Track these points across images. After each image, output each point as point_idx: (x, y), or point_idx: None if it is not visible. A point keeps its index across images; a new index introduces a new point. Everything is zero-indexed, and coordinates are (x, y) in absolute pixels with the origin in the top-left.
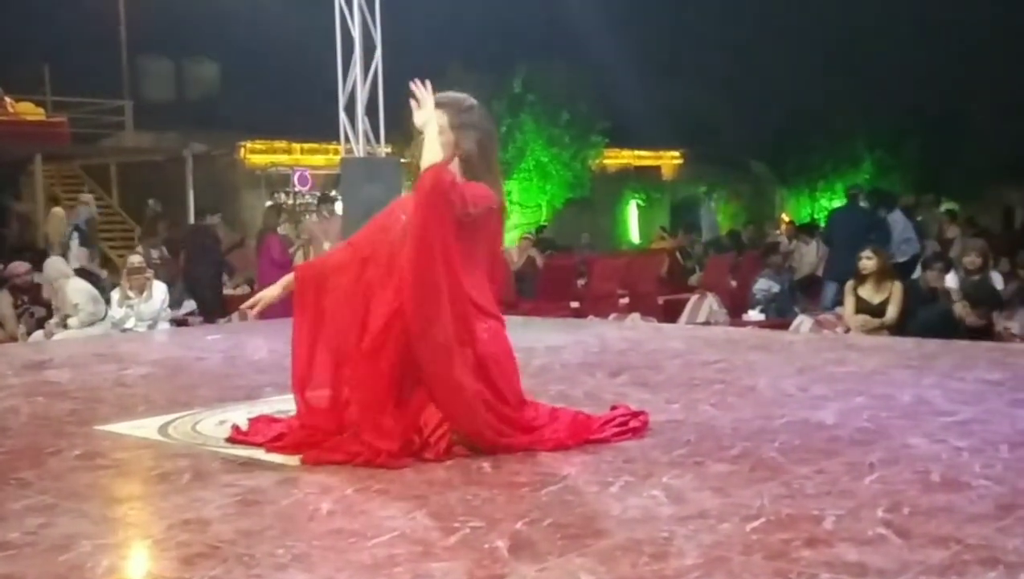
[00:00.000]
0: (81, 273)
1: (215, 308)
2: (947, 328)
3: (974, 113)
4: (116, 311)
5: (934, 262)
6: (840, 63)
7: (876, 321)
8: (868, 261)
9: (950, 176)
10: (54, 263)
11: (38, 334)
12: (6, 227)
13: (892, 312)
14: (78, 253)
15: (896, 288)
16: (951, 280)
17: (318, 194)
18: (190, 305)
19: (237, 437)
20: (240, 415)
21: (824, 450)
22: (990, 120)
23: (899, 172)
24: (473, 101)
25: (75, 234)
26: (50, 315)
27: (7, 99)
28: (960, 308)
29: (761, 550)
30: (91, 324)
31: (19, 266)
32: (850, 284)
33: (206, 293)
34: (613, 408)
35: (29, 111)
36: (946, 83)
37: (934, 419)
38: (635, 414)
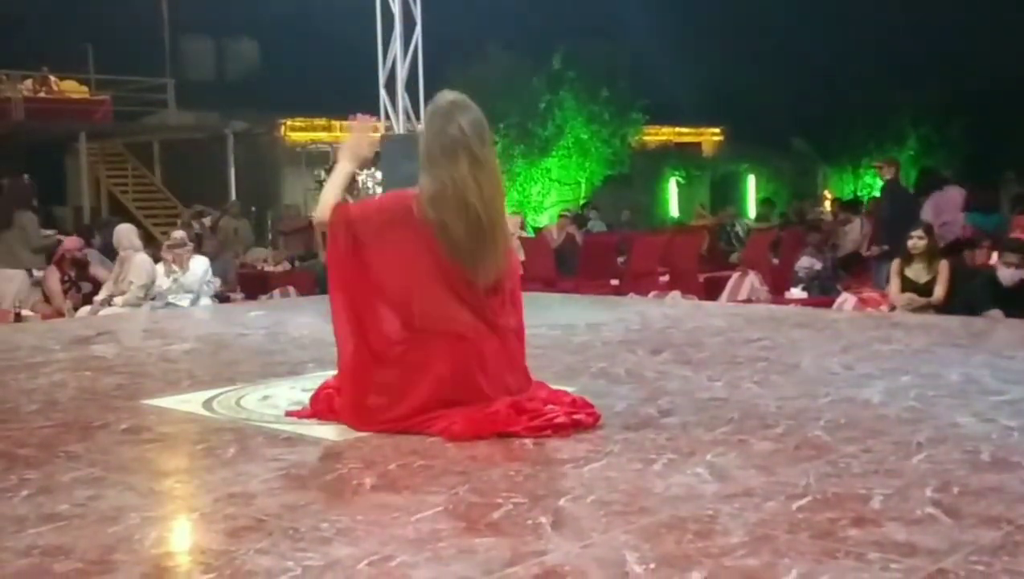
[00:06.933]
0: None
1: None
2: (989, 292)
3: None
4: (162, 280)
5: (983, 240)
6: (883, 38)
7: (922, 300)
8: (920, 241)
9: (998, 155)
10: (126, 231)
11: (84, 309)
12: None
13: (939, 291)
14: None
15: (943, 267)
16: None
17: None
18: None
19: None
20: (283, 390)
21: (870, 429)
22: None
23: (945, 150)
24: (434, 101)
25: None
26: (96, 290)
27: (52, 78)
28: (1001, 267)
29: (808, 529)
30: (136, 305)
31: (73, 241)
32: (896, 263)
33: None
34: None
35: (73, 89)
36: (994, 59)
37: (983, 398)
38: (575, 408)
